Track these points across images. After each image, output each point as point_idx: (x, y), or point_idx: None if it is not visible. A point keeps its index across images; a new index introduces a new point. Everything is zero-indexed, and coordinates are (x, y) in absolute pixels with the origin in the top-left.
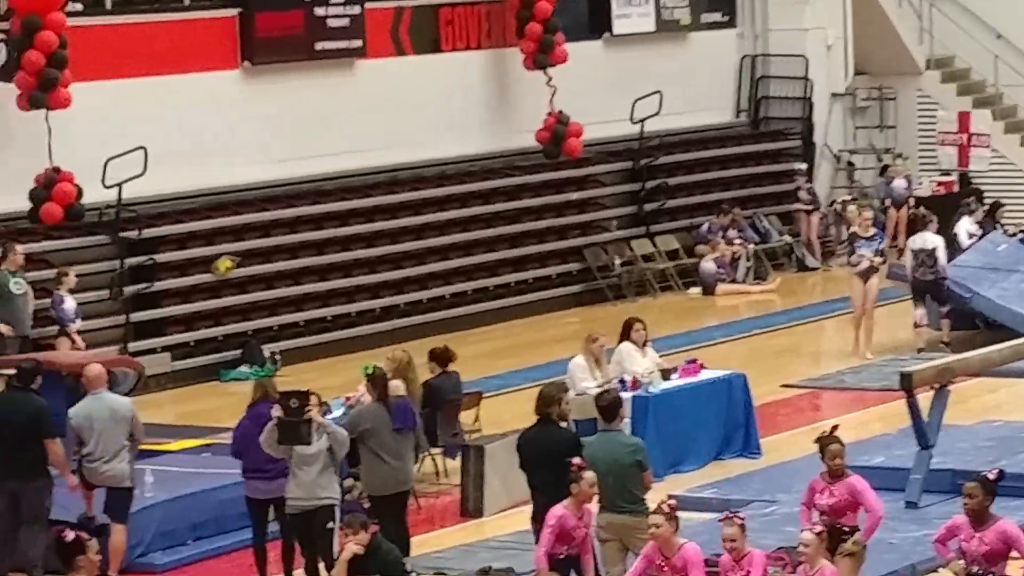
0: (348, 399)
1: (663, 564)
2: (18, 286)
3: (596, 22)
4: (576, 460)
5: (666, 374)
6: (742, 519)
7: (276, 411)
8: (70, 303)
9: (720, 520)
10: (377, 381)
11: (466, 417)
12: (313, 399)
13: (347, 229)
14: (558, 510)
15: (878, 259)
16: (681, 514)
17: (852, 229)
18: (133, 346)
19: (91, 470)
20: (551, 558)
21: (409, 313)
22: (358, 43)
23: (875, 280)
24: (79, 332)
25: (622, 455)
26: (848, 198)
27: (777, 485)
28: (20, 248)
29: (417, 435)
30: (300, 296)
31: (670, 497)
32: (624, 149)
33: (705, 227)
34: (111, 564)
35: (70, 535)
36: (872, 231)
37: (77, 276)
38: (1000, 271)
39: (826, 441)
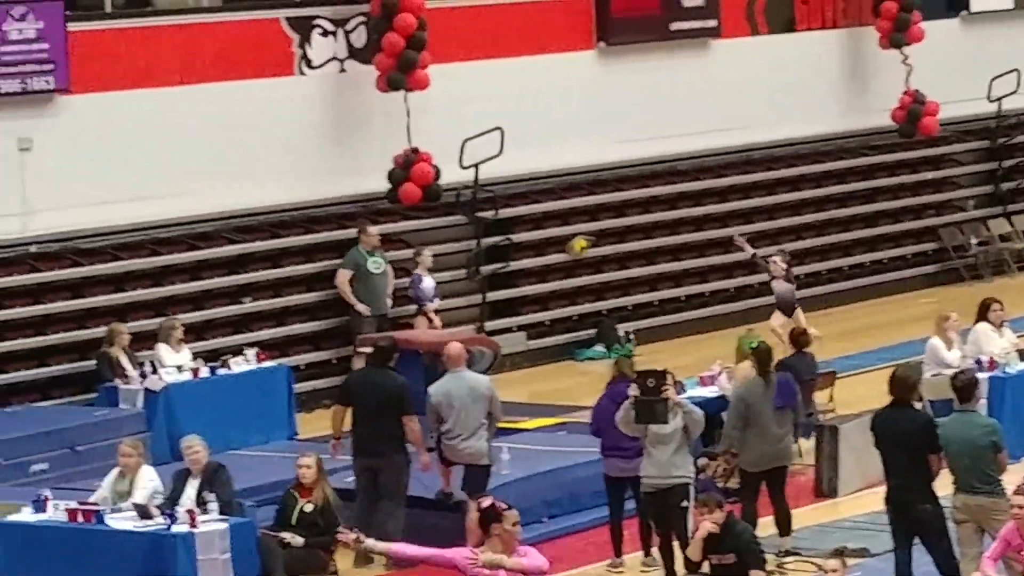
0: (703, 378)
1: (1022, 546)
2: (376, 265)
3: (953, 0)
4: None
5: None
6: None
7: (633, 390)
8: (428, 282)
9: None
10: (760, 356)
11: (820, 397)
12: (669, 378)
13: (701, 209)
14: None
15: None
16: None
17: None
18: (489, 325)
19: (449, 447)
20: None
21: (762, 293)
22: (713, 23)
23: None
24: (436, 311)
25: (978, 436)
26: None
27: None
28: (374, 229)
29: (797, 413)
30: (654, 276)
31: None
32: (981, 128)
33: None
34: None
35: (486, 502)
36: None
37: (434, 256)
38: None
39: None
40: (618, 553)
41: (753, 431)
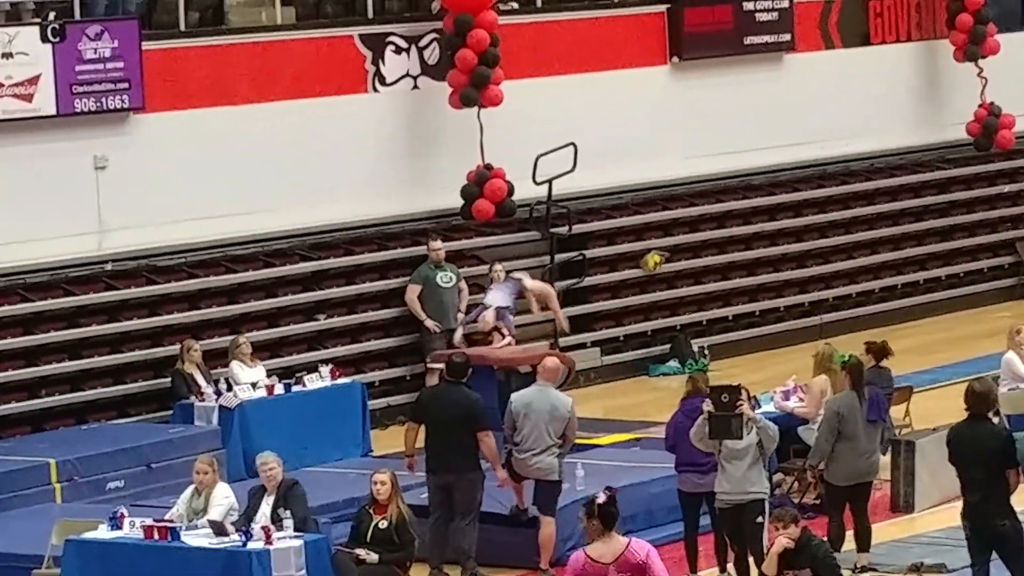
0: (775, 393)
1: None
2: (445, 279)
3: None
4: None
5: None
6: None
7: (707, 405)
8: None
9: None
10: (853, 370)
11: (897, 412)
12: (743, 393)
13: (776, 223)
14: None
15: None
16: None
17: None
18: (563, 341)
19: (520, 461)
20: None
21: (838, 307)
22: (787, 37)
23: None
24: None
25: None
26: None
27: None
28: (438, 243)
29: (885, 428)
30: (728, 291)
31: None
32: None
33: None
34: (542, 556)
35: (602, 497)
36: None
37: (507, 272)
38: None
39: None
40: (693, 569)
41: (845, 445)
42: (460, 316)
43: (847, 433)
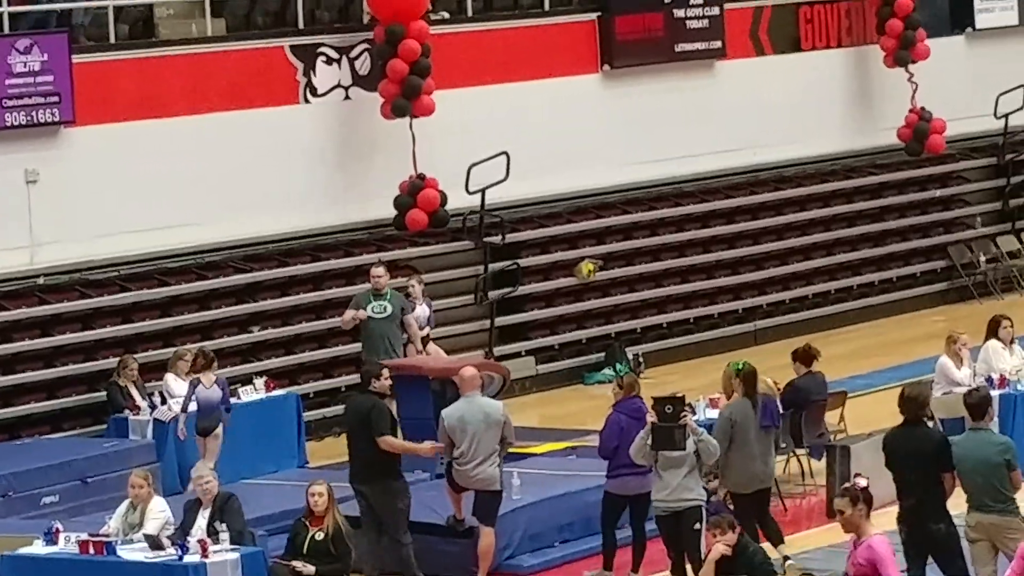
0: (712, 400)
1: None
2: (378, 309)
3: (958, 17)
4: None
5: None
6: None
7: (651, 416)
8: (420, 310)
9: None
10: (747, 377)
11: (831, 417)
12: (687, 404)
13: (708, 231)
14: None
15: None
16: None
17: None
18: (498, 350)
19: (460, 473)
20: None
21: (772, 314)
22: (718, 44)
23: None
24: (430, 338)
25: (991, 454)
26: None
27: None
28: (379, 271)
29: (777, 435)
30: (662, 298)
31: None
32: (988, 145)
33: None
34: (480, 566)
35: (862, 482)
36: None
37: (442, 282)
38: None
39: None
40: (608, 567)
41: (739, 452)
42: (408, 348)
43: (740, 440)
